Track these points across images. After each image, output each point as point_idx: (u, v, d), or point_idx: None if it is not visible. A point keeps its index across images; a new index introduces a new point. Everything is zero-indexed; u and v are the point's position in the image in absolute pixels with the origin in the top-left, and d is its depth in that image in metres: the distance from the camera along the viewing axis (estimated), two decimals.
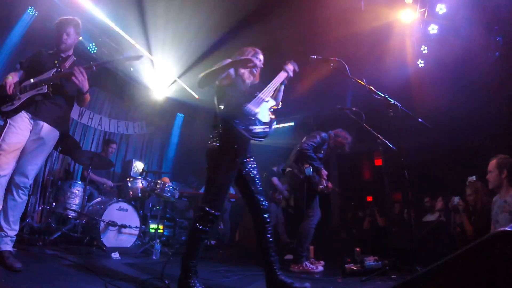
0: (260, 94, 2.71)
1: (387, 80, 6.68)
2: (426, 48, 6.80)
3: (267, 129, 2.59)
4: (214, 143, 2.68)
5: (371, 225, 8.16)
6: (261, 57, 3.06)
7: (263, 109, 2.67)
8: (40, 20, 5.85)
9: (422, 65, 7.02)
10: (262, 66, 3.05)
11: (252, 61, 2.69)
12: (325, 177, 4.58)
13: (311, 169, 4.53)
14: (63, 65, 3.11)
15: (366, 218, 8.46)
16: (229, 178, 2.70)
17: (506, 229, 0.70)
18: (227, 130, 2.61)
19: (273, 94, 2.88)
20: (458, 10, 5.94)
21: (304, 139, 4.68)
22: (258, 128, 2.53)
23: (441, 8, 6.01)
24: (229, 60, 2.75)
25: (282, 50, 6.85)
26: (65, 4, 5.61)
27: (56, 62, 3.13)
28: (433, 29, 6.35)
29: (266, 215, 2.76)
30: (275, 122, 2.69)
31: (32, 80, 2.99)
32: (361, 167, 10.77)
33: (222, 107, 2.60)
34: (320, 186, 4.58)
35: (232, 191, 7.22)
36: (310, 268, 4.15)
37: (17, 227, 2.92)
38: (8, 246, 2.82)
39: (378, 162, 9.63)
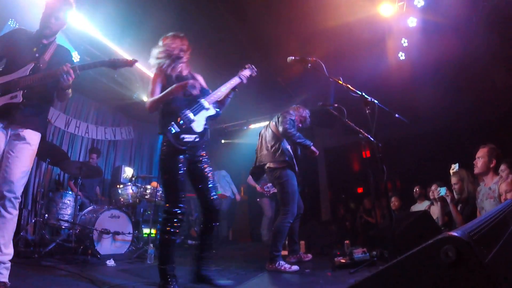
0: (202, 101, 2.81)
1: (369, 74, 6.82)
2: (406, 41, 6.90)
3: (197, 140, 2.72)
4: (162, 146, 2.77)
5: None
6: (184, 46, 3.18)
7: (201, 117, 2.78)
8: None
9: (403, 57, 7.13)
10: (183, 55, 3.12)
11: (185, 86, 2.70)
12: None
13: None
14: (43, 58, 2.71)
15: (358, 213, 8.61)
16: (180, 178, 2.72)
17: (451, 233, 0.77)
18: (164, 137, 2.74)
19: (220, 100, 2.99)
20: (437, 2, 6.05)
21: (274, 123, 4.59)
22: (188, 137, 2.66)
23: (419, 1, 6.10)
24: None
25: (263, 46, 6.95)
26: None
27: (35, 50, 2.74)
28: (412, 22, 6.45)
29: (214, 214, 2.88)
30: (208, 131, 2.82)
31: (4, 79, 2.56)
32: (350, 159, 10.89)
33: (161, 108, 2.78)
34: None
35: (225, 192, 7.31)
36: (283, 268, 3.86)
37: (10, 251, 2.43)
38: (2, 276, 2.38)
39: (367, 153, 9.75)
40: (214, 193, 2.90)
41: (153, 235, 5.88)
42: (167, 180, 2.76)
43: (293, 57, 3.07)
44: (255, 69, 3.28)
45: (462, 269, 0.74)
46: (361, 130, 3.79)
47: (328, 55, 6.93)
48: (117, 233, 4.85)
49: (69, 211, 5.13)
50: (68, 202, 5.16)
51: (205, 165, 2.92)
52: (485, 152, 3.74)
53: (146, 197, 5.16)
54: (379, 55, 7.13)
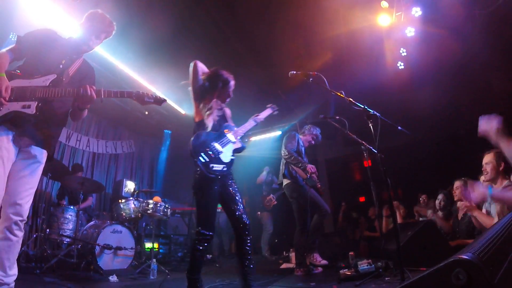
0: (228, 135, 3.03)
1: (369, 83, 6.86)
2: (404, 50, 6.95)
3: (225, 169, 2.91)
4: (196, 174, 2.89)
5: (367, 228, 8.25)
6: (232, 83, 3.18)
7: (228, 149, 2.97)
8: None
9: (402, 67, 7.17)
10: (231, 95, 3.19)
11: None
12: (314, 172, 4.80)
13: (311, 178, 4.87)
14: (67, 72, 2.53)
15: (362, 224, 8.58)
16: (212, 202, 2.89)
17: (462, 256, 0.78)
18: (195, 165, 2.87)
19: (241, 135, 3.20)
20: (434, 12, 6.10)
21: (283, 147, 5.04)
22: (217, 167, 2.85)
23: (416, 11, 6.15)
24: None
25: (261, 58, 6.99)
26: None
27: (63, 62, 2.56)
28: (410, 31, 6.49)
29: (246, 231, 2.91)
30: (233, 162, 3.01)
31: (19, 83, 2.34)
32: (351, 169, 10.90)
33: (192, 140, 2.90)
34: (318, 185, 5.07)
35: None
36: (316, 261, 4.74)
37: (14, 271, 2.34)
38: None
39: (369, 163, 9.75)
40: (240, 211, 3.00)
41: (156, 249, 5.86)
42: (200, 204, 2.90)
43: (295, 72, 3.08)
44: (276, 108, 3.52)
45: None
46: (363, 142, 3.80)
47: (327, 65, 7.00)
48: (119, 248, 4.81)
49: (70, 226, 5.10)
50: (69, 217, 5.13)
51: (233, 189, 3.04)
52: (492, 157, 3.68)
53: (148, 211, 5.12)
54: (378, 65, 7.18)
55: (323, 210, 4.91)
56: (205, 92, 3.06)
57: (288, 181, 4.95)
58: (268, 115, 3.46)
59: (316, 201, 4.90)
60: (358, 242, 7.89)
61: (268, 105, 3.51)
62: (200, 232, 2.79)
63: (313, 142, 5.32)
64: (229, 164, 2.96)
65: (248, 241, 2.91)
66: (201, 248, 2.78)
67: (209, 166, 2.81)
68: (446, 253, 3.47)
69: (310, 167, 4.71)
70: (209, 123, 3.00)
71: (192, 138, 2.88)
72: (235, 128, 3.16)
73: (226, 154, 2.94)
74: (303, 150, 5.13)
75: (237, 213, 2.95)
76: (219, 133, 3.01)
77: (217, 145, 2.90)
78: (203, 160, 2.79)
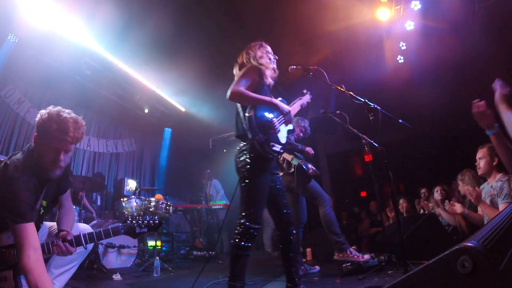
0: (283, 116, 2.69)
1: (368, 77, 6.85)
2: (404, 44, 6.94)
3: (281, 151, 2.62)
4: (243, 157, 2.58)
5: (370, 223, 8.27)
6: (269, 49, 3.03)
7: (283, 130, 2.68)
8: (21, 47, 5.82)
9: (402, 61, 7.17)
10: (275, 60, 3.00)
11: (283, 113, 2.64)
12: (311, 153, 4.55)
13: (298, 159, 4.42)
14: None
15: (364, 219, 8.58)
16: (264, 191, 2.59)
17: (467, 244, 0.78)
18: (253, 143, 2.50)
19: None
20: (433, 5, 6.09)
21: None
22: (276, 146, 2.53)
23: (416, 5, 6.14)
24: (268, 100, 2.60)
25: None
26: (46, 29, 5.60)
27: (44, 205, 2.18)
28: (410, 25, 6.48)
29: (291, 228, 2.75)
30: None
31: None
32: (352, 164, 10.91)
33: (247, 114, 2.51)
34: (310, 171, 4.49)
35: (227, 201, 7.28)
36: (355, 257, 3.94)
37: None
38: None
39: (370, 157, 9.77)
40: (287, 207, 2.81)
41: (158, 247, 5.87)
42: (250, 189, 2.55)
43: (294, 66, 3.06)
44: (311, 96, 3.28)
45: (478, 279, 0.75)
46: (364, 136, 3.79)
47: (327, 59, 6.99)
48: (122, 246, 4.83)
49: None
50: None
51: (278, 179, 2.81)
52: (485, 152, 3.69)
53: (151, 209, 5.14)
54: (378, 59, 7.17)
55: (321, 200, 4.37)
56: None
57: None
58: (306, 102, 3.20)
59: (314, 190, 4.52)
60: (361, 236, 7.91)
61: (305, 91, 3.28)
62: (245, 224, 2.44)
63: (301, 134, 4.92)
64: (284, 146, 2.64)
65: (293, 241, 2.74)
66: (244, 244, 2.43)
67: (270, 144, 2.47)
68: (449, 246, 3.48)
69: (309, 149, 4.47)
70: (267, 79, 2.79)
71: (249, 111, 2.50)
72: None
73: (282, 135, 2.63)
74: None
75: (281, 209, 2.74)
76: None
77: (276, 122, 2.57)
78: (263, 138, 2.43)
